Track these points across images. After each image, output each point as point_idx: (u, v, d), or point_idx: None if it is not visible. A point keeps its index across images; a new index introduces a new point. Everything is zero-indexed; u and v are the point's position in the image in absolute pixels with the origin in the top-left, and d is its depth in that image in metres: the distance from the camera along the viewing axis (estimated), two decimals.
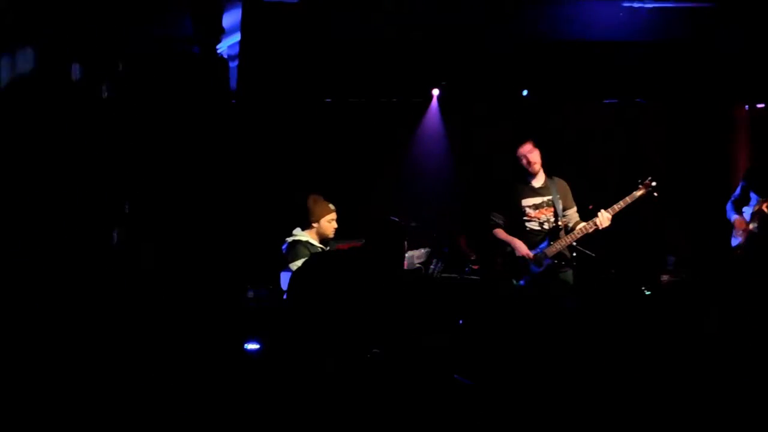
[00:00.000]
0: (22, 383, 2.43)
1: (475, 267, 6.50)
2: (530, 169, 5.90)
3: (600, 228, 5.77)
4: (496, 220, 5.98)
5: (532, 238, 5.86)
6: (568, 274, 5.92)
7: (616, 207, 5.81)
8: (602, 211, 5.77)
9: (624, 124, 7.78)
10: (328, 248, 5.63)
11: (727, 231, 6.51)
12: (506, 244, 5.92)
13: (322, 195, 5.71)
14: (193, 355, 3.25)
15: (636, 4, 6.47)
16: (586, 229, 5.81)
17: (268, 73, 5.44)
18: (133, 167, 3.32)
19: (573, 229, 5.86)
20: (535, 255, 5.81)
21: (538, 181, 5.93)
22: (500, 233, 5.95)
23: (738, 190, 6.49)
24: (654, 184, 5.88)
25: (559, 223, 5.87)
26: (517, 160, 5.94)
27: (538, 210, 5.90)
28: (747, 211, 6.32)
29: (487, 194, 7.11)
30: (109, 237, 3.04)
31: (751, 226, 6.18)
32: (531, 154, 5.89)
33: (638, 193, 5.88)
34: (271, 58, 5.41)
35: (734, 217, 6.37)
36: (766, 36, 6.43)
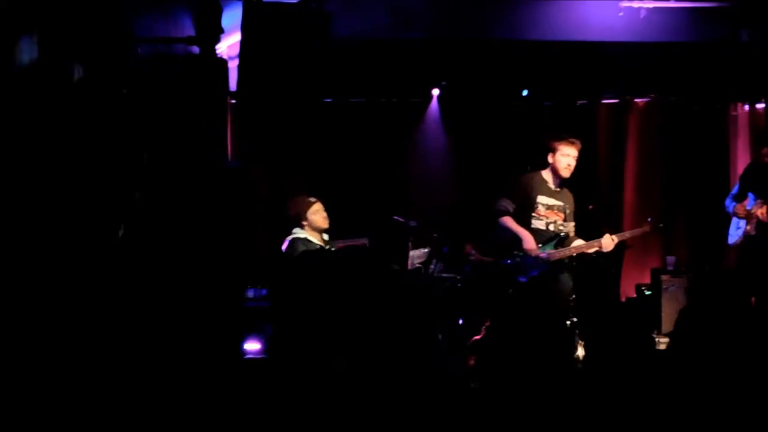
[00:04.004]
0: (18, 382, 2.43)
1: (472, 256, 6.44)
2: (564, 171, 5.64)
3: (602, 251, 5.62)
4: (507, 207, 5.71)
5: (535, 237, 5.72)
6: (567, 277, 5.85)
7: (624, 236, 5.73)
8: (608, 235, 5.60)
9: (624, 123, 7.77)
10: (328, 246, 5.66)
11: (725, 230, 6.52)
12: (512, 233, 5.73)
13: (317, 195, 5.81)
14: (192, 355, 3.25)
15: (636, 4, 6.48)
16: (587, 247, 5.68)
17: (268, 73, 5.44)
18: (133, 167, 3.33)
19: (569, 243, 5.77)
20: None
21: (555, 185, 5.72)
22: (509, 221, 5.65)
23: (736, 188, 6.49)
24: (661, 225, 5.82)
25: (567, 231, 5.75)
26: (554, 152, 5.65)
27: (549, 210, 5.71)
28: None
29: (503, 182, 7.04)
30: (109, 236, 3.05)
31: (748, 227, 6.18)
32: (575, 159, 5.67)
33: (646, 229, 5.81)
34: (271, 58, 5.41)
35: (734, 206, 6.35)
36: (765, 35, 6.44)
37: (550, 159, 5.72)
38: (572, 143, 5.68)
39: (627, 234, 5.79)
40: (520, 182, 5.87)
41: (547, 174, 5.77)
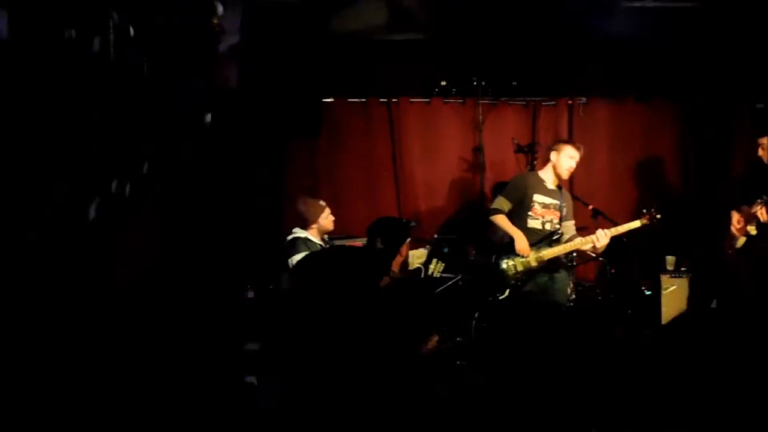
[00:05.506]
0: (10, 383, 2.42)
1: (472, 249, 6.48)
2: (565, 173, 5.76)
3: (596, 247, 5.59)
4: (500, 206, 5.84)
5: (531, 236, 5.75)
6: (564, 275, 5.86)
7: (616, 231, 5.64)
8: (599, 231, 5.59)
9: (624, 123, 7.76)
10: (327, 247, 5.67)
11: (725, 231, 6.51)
12: (506, 234, 5.77)
13: (316, 196, 5.86)
14: (191, 356, 3.25)
15: (636, 4, 6.48)
16: (581, 244, 5.68)
17: (268, 73, 5.45)
18: (132, 166, 3.32)
19: (568, 241, 5.78)
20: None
21: (552, 184, 5.83)
22: (503, 220, 5.77)
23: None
24: (658, 216, 5.74)
25: (561, 228, 5.80)
26: (558, 152, 5.77)
27: (546, 209, 5.77)
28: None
29: (501, 182, 7.07)
30: (107, 234, 3.04)
31: (748, 227, 6.18)
32: (576, 164, 5.78)
33: (642, 221, 5.74)
34: (271, 57, 5.42)
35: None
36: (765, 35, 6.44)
37: (552, 157, 5.81)
38: (578, 148, 5.79)
39: (621, 228, 5.67)
40: (517, 181, 5.95)
41: (544, 173, 5.85)
